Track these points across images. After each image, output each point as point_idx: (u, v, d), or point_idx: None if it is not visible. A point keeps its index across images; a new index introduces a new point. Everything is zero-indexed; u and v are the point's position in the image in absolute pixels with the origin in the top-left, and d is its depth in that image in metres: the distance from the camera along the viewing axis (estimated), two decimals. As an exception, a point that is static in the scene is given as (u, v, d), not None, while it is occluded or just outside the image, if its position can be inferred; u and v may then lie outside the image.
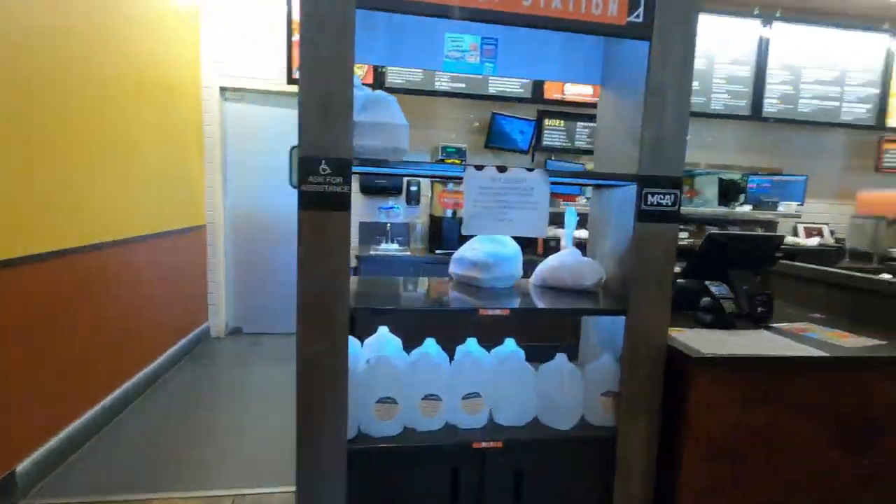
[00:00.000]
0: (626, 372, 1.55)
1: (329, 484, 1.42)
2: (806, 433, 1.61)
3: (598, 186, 1.93)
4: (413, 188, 3.96)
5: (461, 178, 1.54)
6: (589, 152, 4.03)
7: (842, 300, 2.05)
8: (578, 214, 1.92)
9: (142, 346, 2.98)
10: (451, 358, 1.74)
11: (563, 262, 1.81)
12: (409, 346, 1.78)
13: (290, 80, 3.64)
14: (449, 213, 3.62)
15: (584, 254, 1.87)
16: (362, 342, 1.82)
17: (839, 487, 1.66)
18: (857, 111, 4.28)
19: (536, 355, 1.83)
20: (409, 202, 4.00)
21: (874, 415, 1.65)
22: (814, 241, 4.44)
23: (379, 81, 3.58)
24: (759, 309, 1.87)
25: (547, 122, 3.90)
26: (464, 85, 3.72)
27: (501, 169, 1.44)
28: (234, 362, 3.60)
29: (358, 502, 1.49)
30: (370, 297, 1.64)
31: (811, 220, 4.59)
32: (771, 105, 4.16)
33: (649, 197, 1.50)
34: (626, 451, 1.58)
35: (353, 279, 1.93)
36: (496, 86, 3.76)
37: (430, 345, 1.71)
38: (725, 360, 1.49)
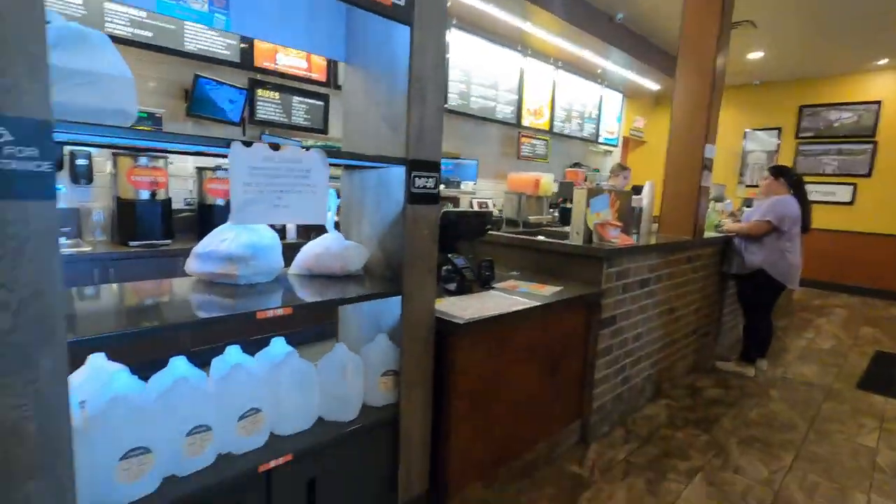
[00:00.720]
0: (406, 348, 1.61)
1: None
2: (526, 367, 2.05)
3: (348, 168, 1.89)
4: (81, 161, 2.96)
5: (165, 153, 1.24)
6: (306, 129, 3.89)
7: (527, 258, 2.67)
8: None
9: None
10: (207, 372, 1.43)
11: (329, 249, 1.71)
12: (141, 373, 1.37)
13: None
14: (145, 195, 2.89)
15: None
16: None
17: (543, 404, 2.20)
18: (506, 111, 5.55)
19: (295, 340, 1.70)
20: (75, 181, 2.98)
21: (561, 342, 2.23)
22: (492, 216, 5.58)
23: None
24: (486, 273, 2.24)
25: (260, 92, 3.54)
26: (150, 34, 2.97)
27: (274, 147, 1.23)
28: None
29: None
30: (82, 319, 1.17)
31: (481, 195, 5.74)
32: (452, 98, 4.94)
33: (417, 180, 1.56)
34: (409, 425, 1.66)
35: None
36: (196, 42, 3.15)
37: (181, 365, 1.36)
38: (481, 322, 1.72)
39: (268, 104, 3.60)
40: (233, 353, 1.48)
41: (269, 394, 1.41)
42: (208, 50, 3.22)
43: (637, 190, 3.83)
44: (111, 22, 2.82)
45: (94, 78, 1.02)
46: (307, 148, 1.29)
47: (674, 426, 2.70)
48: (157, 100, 3.24)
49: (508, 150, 6.05)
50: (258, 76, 3.55)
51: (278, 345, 1.58)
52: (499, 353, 1.89)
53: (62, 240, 2.78)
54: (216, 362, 1.49)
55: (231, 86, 3.34)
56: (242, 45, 3.37)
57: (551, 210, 5.96)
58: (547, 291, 2.20)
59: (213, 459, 1.28)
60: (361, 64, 1.77)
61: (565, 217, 5.50)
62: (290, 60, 3.66)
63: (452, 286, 2.09)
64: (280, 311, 1.28)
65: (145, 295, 1.45)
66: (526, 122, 5.79)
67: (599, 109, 7.00)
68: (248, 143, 1.17)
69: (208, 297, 1.42)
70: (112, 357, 1.35)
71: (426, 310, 1.65)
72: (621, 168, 4.67)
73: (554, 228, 4.10)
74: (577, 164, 7.03)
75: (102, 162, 3.08)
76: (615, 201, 2.66)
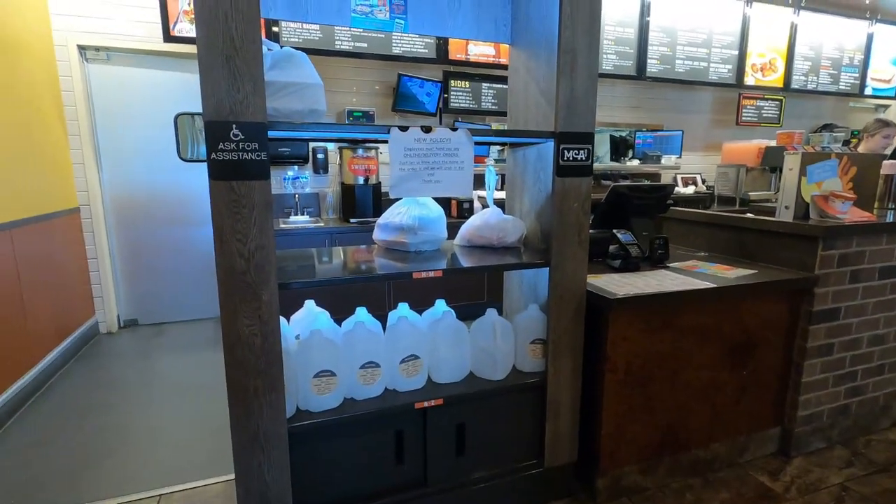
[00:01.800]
0: (553, 319, 1.65)
1: (271, 467, 1.37)
2: (699, 353, 1.86)
3: (513, 146, 1.98)
4: (320, 156, 3.77)
5: (375, 143, 1.49)
6: (494, 113, 4.11)
7: (719, 238, 2.35)
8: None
9: (11, 355, 2.58)
10: (384, 325, 1.73)
11: (487, 222, 1.85)
12: (337, 319, 1.74)
13: (169, 38, 3.21)
14: (361, 181, 3.51)
15: (504, 212, 1.93)
16: (288, 319, 1.74)
17: (724, 397, 1.95)
18: (721, 71, 4.80)
19: (465, 314, 1.88)
20: (316, 171, 3.81)
21: (750, 332, 1.94)
22: (690, 190, 4.98)
23: (272, 40, 3.30)
24: (659, 251, 2.07)
25: (453, 83, 3.88)
26: (366, 45, 3.55)
27: (426, 129, 1.41)
28: (133, 357, 3.26)
29: (304, 479, 1.46)
30: (294, 270, 1.56)
31: (687, 170, 5.13)
32: (652, 65, 4.51)
33: (566, 153, 1.57)
34: (556, 392, 1.71)
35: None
36: (400, 45, 3.64)
37: (362, 314, 1.68)
38: (636, 299, 1.64)
39: (459, 93, 3.92)
40: (403, 308, 1.76)
41: (428, 344, 1.63)
42: (410, 51, 3.67)
43: (902, 153, 2.94)
44: (338, 39, 3.47)
45: (297, 88, 1.35)
46: (454, 129, 1.44)
47: (933, 460, 2.07)
48: (371, 100, 3.85)
49: (724, 117, 5.23)
50: (452, 68, 3.88)
51: (440, 305, 1.80)
52: (660, 333, 1.77)
53: (305, 217, 3.59)
54: (391, 315, 1.80)
55: (428, 80, 3.75)
56: (438, 42, 3.73)
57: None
58: (731, 274, 1.92)
59: (380, 391, 1.57)
60: (524, 44, 1.83)
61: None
62: (480, 49, 3.89)
63: (617, 263, 2.01)
64: (432, 273, 1.48)
65: (340, 257, 1.82)
66: (749, 80, 4.90)
67: (867, 52, 5.44)
68: (403, 128, 1.38)
69: (384, 260, 1.71)
70: (319, 304, 1.76)
71: (576, 282, 1.66)
72: (882, 125, 3.58)
73: (766, 205, 3.45)
74: (827, 127, 5.65)
75: (334, 155, 3.83)
76: (848, 168, 2.12)
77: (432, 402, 1.56)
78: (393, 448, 1.57)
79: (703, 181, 5.19)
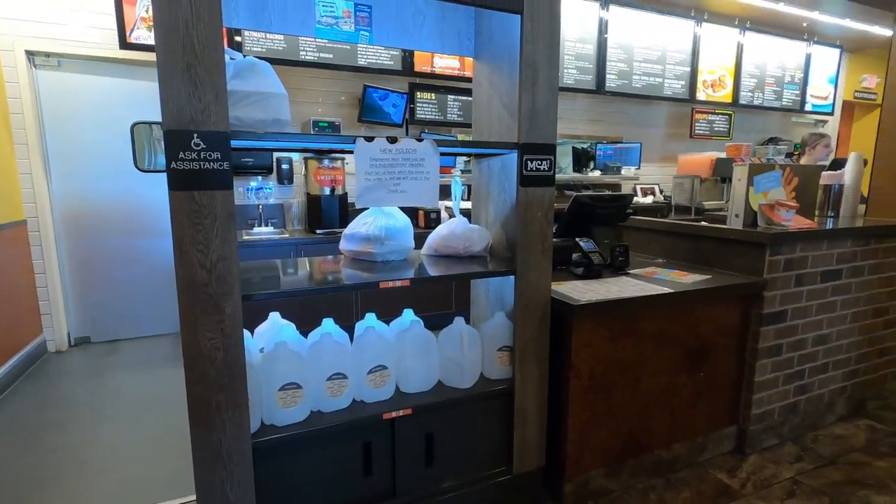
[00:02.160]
0: (519, 326, 1.68)
1: (235, 485, 1.33)
2: (658, 358, 1.92)
3: (478, 156, 2.01)
4: (284, 166, 3.72)
5: (340, 153, 1.49)
6: (460, 125, 4.16)
7: (677, 245, 2.45)
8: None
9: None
10: (351, 336, 1.72)
11: (453, 231, 1.87)
12: (303, 331, 1.72)
13: (125, 45, 3.12)
14: (327, 191, 3.48)
15: (470, 221, 1.96)
16: (252, 331, 1.70)
17: (682, 400, 2.02)
18: (675, 87, 5.03)
19: (433, 324, 1.89)
20: (280, 181, 3.75)
21: (705, 336, 2.02)
22: (649, 199, 5.17)
23: (235, 49, 3.25)
24: (619, 259, 2.15)
25: (419, 94, 3.92)
26: (331, 56, 3.54)
27: (392, 140, 1.42)
28: (85, 376, 3.10)
29: (269, 496, 1.42)
30: (258, 282, 1.53)
31: (646, 181, 5.33)
32: (611, 80, 4.69)
33: (529, 163, 1.61)
34: (523, 399, 1.73)
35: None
36: (366, 57, 3.65)
37: (329, 324, 1.66)
38: (598, 305, 1.69)
39: (425, 104, 3.96)
40: (370, 319, 1.75)
41: (396, 354, 1.63)
42: (376, 62, 3.69)
43: (838, 164, 3.16)
44: (303, 50, 3.45)
45: (261, 97, 1.34)
46: (420, 140, 1.46)
47: (874, 453, 2.20)
48: (337, 110, 3.84)
49: (679, 130, 5.48)
50: (418, 80, 3.92)
51: (407, 315, 1.81)
52: (622, 339, 1.82)
53: (269, 228, 3.53)
54: (358, 325, 1.79)
55: (394, 91, 3.77)
56: (403, 55, 3.77)
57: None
58: (688, 279, 2.01)
59: (348, 403, 1.55)
60: (487, 58, 1.87)
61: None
62: (446, 62, 3.95)
63: (580, 270, 2.06)
64: (399, 283, 1.48)
65: (305, 268, 1.80)
66: (701, 96, 5.16)
67: (806, 71, 5.83)
68: (369, 139, 1.39)
69: (350, 270, 1.70)
70: (285, 316, 1.73)
71: (540, 289, 1.69)
72: (817, 137, 3.84)
73: (719, 213, 3.62)
74: (772, 140, 6.00)
75: (299, 165, 3.79)
76: (791, 178, 2.26)
77: (400, 413, 1.55)
78: (361, 460, 1.56)
79: (661, 191, 5.40)
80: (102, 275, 3.58)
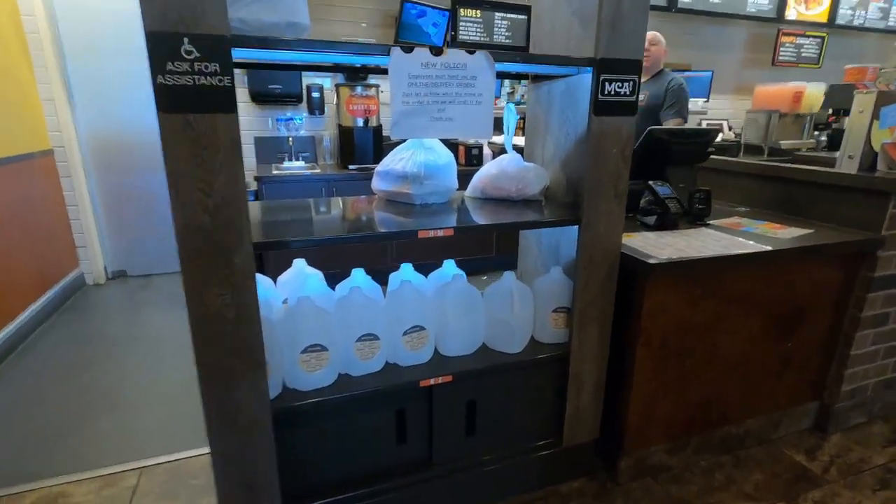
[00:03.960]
0: (580, 285, 1.42)
1: (254, 452, 1.19)
2: (741, 324, 1.64)
3: (536, 79, 1.67)
4: (315, 94, 3.41)
5: (375, 72, 1.21)
6: (508, 48, 3.70)
7: (763, 191, 2.08)
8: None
9: (-11, 307, 2.40)
10: (385, 289, 1.51)
11: (505, 170, 1.58)
12: (332, 280, 1.51)
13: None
14: (360, 122, 3.19)
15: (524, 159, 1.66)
16: (275, 280, 1.52)
17: (764, 371, 1.75)
18: (761, 2, 4.31)
19: (472, 268, 1.65)
20: (311, 112, 3.47)
21: (799, 300, 1.71)
22: (717, 137, 4.61)
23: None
24: (698, 206, 1.81)
25: (462, 12, 3.46)
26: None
27: (436, 51, 1.12)
28: (120, 311, 3.09)
29: (293, 463, 1.28)
30: (279, 226, 1.32)
31: (714, 115, 4.74)
32: (685, -6, 4.04)
33: (606, 85, 1.27)
34: (579, 365, 1.51)
35: (255, 205, 1.57)
36: (403, -35, 3.20)
37: (359, 276, 1.45)
38: (678, 265, 1.40)
39: (469, 24, 3.50)
40: (406, 270, 1.53)
41: (435, 313, 1.41)
42: (415, -28, 3.23)
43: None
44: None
45: (270, -7, 1.04)
46: (471, 51, 1.14)
47: (982, 438, 1.90)
48: (370, 31, 3.45)
49: (760, 56, 4.77)
50: (461, -5, 3.45)
51: (448, 267, 1.57)
52: (703, 302, 1.54)
53: (300, 163, 3.30)
54: (392, 277, 1.57)
55: (434, 7, 3.33)
56: (446, -38, 3.28)
57: (816, 133, 4.61)
58: (786, 234, 1.67)
59: (380, 366, 1.37)
60: (554, -51, 1.48)
61: (836, 142, 4.19)
62: (494, -28, 3.43)
63: (652, 220, 1.75)
64: (440, 233, 1.23)
65: (333, 210, 1.57)
66: (791, 14, 4.41)
67: (922, -16, 4.88)
68: (407, 49, 1.08)
69: (384, 214, 1.46)
70: (311, 263, 1.53)
71: (609, 243, 1.41)
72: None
73: (818, 154, 3.14)
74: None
75: (330, 94, 3.48)
76: (927, 110, 1.81)
77: (439, 380, 1.36)
78: (394, 427, 1.39)
79: (731, 128, 4.81)
80: (136, 209, 3.50)
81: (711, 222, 1.82)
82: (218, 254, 1.03)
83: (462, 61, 1.14)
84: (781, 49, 4.65)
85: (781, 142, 4.38)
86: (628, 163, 1.37)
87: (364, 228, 1.32)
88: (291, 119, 3.43)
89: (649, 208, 1.78)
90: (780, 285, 1.65)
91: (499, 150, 3.59)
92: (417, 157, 1.48)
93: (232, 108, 0.97)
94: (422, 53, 1.10)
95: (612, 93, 1.28)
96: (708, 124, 4.71)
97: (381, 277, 1.56)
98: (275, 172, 3.10)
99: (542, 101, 1.65)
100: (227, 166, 0.99)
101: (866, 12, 4.75)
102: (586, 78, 1.38)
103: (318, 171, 3.20)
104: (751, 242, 1.56)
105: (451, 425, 1.44)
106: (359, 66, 1.45)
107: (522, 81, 3.93)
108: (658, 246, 1.51)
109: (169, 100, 0.92)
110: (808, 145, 4.37)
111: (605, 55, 1.25)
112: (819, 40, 4.76)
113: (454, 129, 1.17)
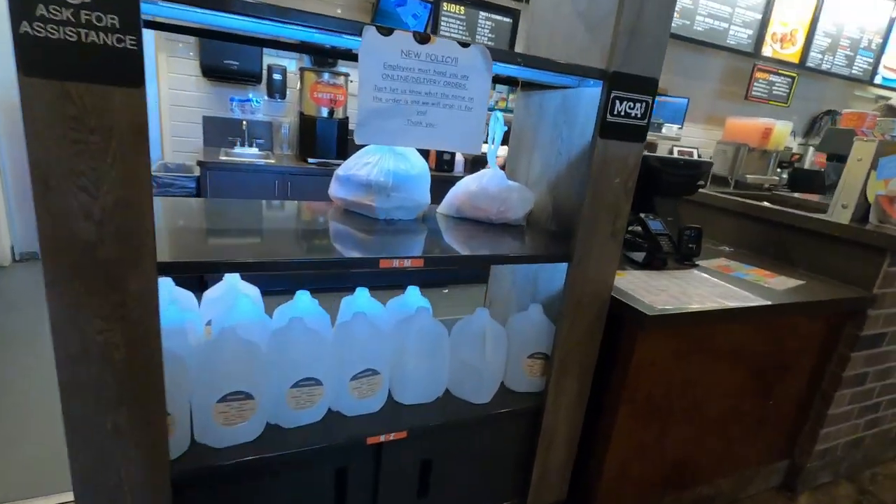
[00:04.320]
0: (564, 330, 1.23)
1: (144, 528, 0.92)
2: (727, 379, 1.50)
3: (526, 87, 1.48)
4: (277, 76, 3.09)
5: (343, 56, 0.97)
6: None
7: (749, 231, 1.97)
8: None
9: None
10: (334, 316, 1.27)
11: (485, 188, 1.37)
12: (272, 300, 1.26)
13: None
14: (325, 112, 2.90)
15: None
16: (200, 294, 1.24)
17: (742, 429, 1.62)
18: (741, 36, 4.32)
19: (432, 280, 1.43)
20: (271, 95, 3.14)
21: (785, 356, 1.59)
22: (709, 170, 4.60)
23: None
24: (689, 245, 1.66)
25: (446, 6, 3.23)
26: (343, -60, 2.84)
27: (422, 38, 0.88)
28: (26, 300, 2.67)
29: (197, 539, 1.01)
30: (202, 237, 1.05)
31: (686, 143, 4.74)
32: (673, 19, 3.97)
33: (617, 104, 1.08)
34: (553, 420, 1.31)
35: (175, 203, 1.29)
36: (385, -53, 2.94)
37: (303, 302, 1.20)
38: (678, 317, 1.23)
39: (452, 20, 3.28)
40: (361, 296, 1.29)
41: (392, 352, 1.18)
42: (398, -43, 2.98)
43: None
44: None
45: (209, -67, 0.78)
46: (465, 44, 0.92)
47: (941, 502, 1.85)
48: (345, 14, 3.17)
49: (734, 89, 4.80)
50: (445, -12, 3.22)
51: (411, 295, 1.34)
52: (691, 356, 1.38)
53: (253, 150, 2.97)
54: (345, 302, 1.32)
55: (416, -2, 3.09)
56: (433, -49, 3.05)
57: (779, 170, 4.68)
58: (777, 283, 1.55)
59: (320, 416, 1.12)
60: (562, -59, 1.29)
61: (799, 181, 4.26)
62: (482, -32, 3.23)
63: (640, 256, 1.59)
64: (407, 262, 1.00)
65: (279, 217, 1.31)
66: (767, 51, 4.46)
67: (886, 37, 5.07)
68: (386, 31, 0.85)
69: (340, 227, 1.22)
70: (248, 278, 1.26)
71: (600, 285, 1.22)
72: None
73: (782, 194, 3.11)
74: (829, 112, 5.35)
75: (294, 78, 3.17)
76: (922, 165, 1.74)
77: (391, 436, 1.12)
78: (333, 490, 1.15)
79: (700, 156, 4.82)
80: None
81: (699, 263, 1.68)
82: (105, 276, 0.76)
83: (453, 55, 0.91)
84: (755, 84, 4.69)
85: (748, 175, 4.43)
86: (630, 196, 1.19)
87: (313, 250, 1.07)
88: (248, 101, 3.09)
89: (637, 243, 1.62)
90: (770, 340, 1.52)
91: (472, 159, 3.39)
92: (386, 163, 1.25)
93: (137, 80, 0.70)
94: (403, 39, 0.86)
95: (623, 113, 1.09)
96: (679, 152, 4.70)
97: (332, 297, 1.32)
98: (222, 158, 2.77)
99: (532, 113, 1.45)
100: (124, 159, 0.72)
101: (834, 58, 4.89)
102: (587, 93, 1.20)
103: (272, 161, 2.89)
104: (746, 293, 1.42)
105: (400, 487, 1.21)
106: (327, 48, 1.20)
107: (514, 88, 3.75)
108: (650, 290, 1.34)
109: (38, 59, 0.65)
110: (772, 182, 4.43)
111: (619, 68, 1.06)
112: (790, 80, 4.85)
113: (435, 137, 0.95)
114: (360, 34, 0.83)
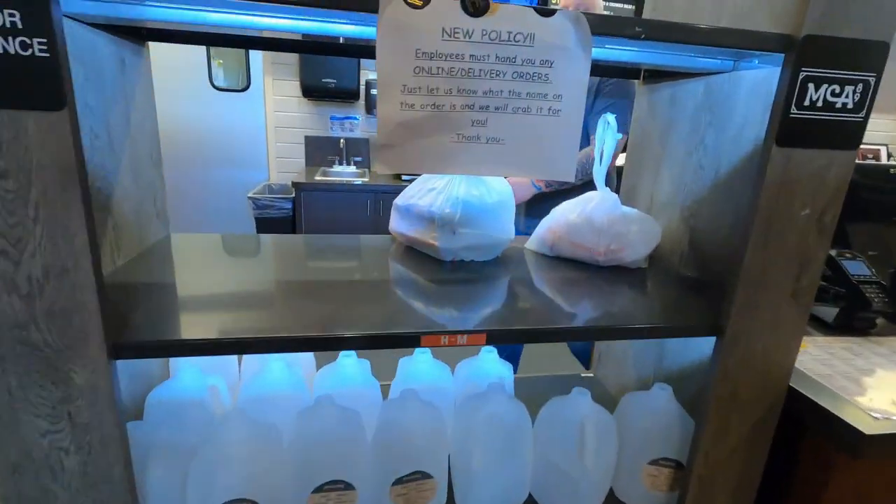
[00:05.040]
0: (709, 432, 0.81)
1: None
2: None
3: (653, 77, 1.08)
4: (374, 91, 2.99)
5: (366, 53, 0.69)
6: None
7: None
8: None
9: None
10: (385, 385, 1.00)
11: (590, 218, 1.00)
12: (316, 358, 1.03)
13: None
14: (419, 126, 2.71)
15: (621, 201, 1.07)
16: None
17: None
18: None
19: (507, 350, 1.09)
20: (369, 111, 3.06)
21: None
22: (870, 167, 3.63)
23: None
24: (909, 296, 1.11)
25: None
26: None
27: (477, 7, 0.57)
28: None
29: None
30: (190, 294, 0.85)
31: (868, 139, 3.74)
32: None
33: (811, 88, 0.66)
34: (689, 559, 0.90)
35: (210, 238, 1.12)
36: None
37: (347, 366, 0.95)
38: (913, 431, 0.74)
39: None
40: (420, 362, 1.00)
41: (453, 445, 0.87)
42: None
43: None
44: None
45: None
46: (546, 13, 0.59)
47: None
48: None
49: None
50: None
51: (487, 362, 1.02)
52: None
53: (351, 168, 2.89)
54: (402, 366, 1.05)
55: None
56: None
57: None
58: None
59: (353, 529, 0.85)
60: None
61: None
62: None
63: (829, 313, 1.08)
64: (462, 340, 0.69)
65: (317, 260, 1.08)
66: None
67: None
68: (419, 1, 0.55)
69: (394, 274, 0.95)
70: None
71: (772, 371, 0.79)
72: None
73: None
74: None
75: (392, 92, 3.05)
76: None
77: (447, 572, 0.81)
78: None
79: (890, 156, 3.79)
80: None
81: (926, 323, 1.11)
82: (44, 365, 0.57)
83: (527, 29, 0.58)
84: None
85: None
86: (828, 237, 0.74)
87: (326, 319, 0.79)
88: (347, 119, 3.04)
89: (825, 290, 1.12)
90: None
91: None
92: (455, 189, 0.95)
93: (55, 101, 0.50)
94: (446, 10, 0.56)
95: (821, 103, 0.67)
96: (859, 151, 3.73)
97: (388, 355, 1.05)
98: (317, 178, 2.72)
99: (661, 113, 1.06)
100: (50, 209, 0.52)
101: None
102: (749, 77, 0.79)
103: (367, 179, 2.78)
104: None
105: None
106: (340, 41, 0.95)
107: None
108: (853, 375, 0.86)
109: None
110: None
111: (817, 30, 0.64)
112: None
113: (503, 160, 0.62)
114: (376, 10, 0.54)
